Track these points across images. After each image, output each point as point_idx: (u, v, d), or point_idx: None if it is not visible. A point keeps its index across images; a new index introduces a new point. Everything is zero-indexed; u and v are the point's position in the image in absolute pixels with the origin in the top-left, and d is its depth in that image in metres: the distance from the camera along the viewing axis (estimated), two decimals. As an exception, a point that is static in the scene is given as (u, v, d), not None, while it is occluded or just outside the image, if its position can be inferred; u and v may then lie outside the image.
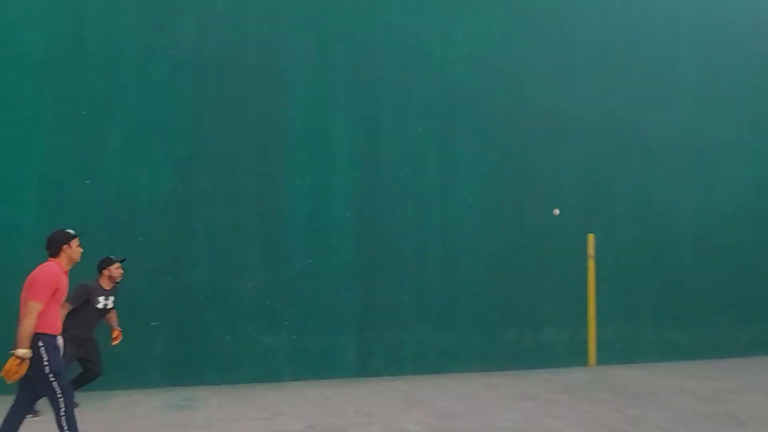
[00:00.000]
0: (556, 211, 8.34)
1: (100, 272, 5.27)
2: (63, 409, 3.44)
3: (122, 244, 6.18)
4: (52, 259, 3.65)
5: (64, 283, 3.59)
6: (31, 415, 4.97)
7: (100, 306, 5.17)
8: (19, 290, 3.49)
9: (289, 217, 7.06)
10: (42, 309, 3.37)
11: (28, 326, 3.31)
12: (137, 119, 6.50)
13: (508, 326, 8.25)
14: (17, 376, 3.31)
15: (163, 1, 6.69)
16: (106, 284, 5.28)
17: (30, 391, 3.55)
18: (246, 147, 6.93)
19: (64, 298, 3.63)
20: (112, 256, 5.39)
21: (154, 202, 6.46)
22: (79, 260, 3.77)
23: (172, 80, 6.66)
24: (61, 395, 3.43)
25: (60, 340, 3.53)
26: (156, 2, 6.65)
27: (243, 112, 6.95)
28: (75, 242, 3.73)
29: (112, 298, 5.30)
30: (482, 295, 8.09)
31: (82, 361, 5.21)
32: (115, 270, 5.31)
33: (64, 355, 4.95)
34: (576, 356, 8.79)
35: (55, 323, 3.51)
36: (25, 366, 3.31)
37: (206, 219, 6.67)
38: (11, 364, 3.27)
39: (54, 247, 3.67)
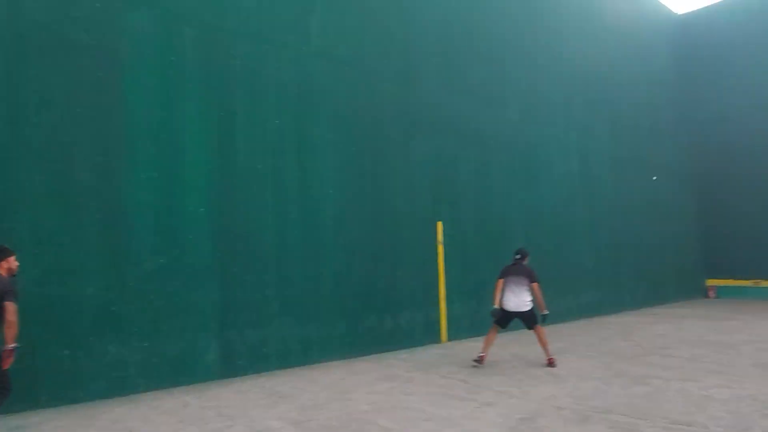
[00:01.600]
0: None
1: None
2: None
3: None
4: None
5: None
6: None
7: None
8: None
9: (135, 213, 6.43)
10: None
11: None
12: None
13: (369, 312, 8.55)
14: None
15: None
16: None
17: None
18: (80, 135, 6.14)
19: None
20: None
21: (-38, 201, 5.44)
22: None
23: (-20, 57, 5.63)
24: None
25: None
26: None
27: (74, 95, 6.13)
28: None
29: None
30: (344, 285, 8.25)
31: None
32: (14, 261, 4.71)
33: None
34: (430, 335, 9.45)
35: None
36: None
37: (31, 219, 5.80)
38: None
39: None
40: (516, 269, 7.61)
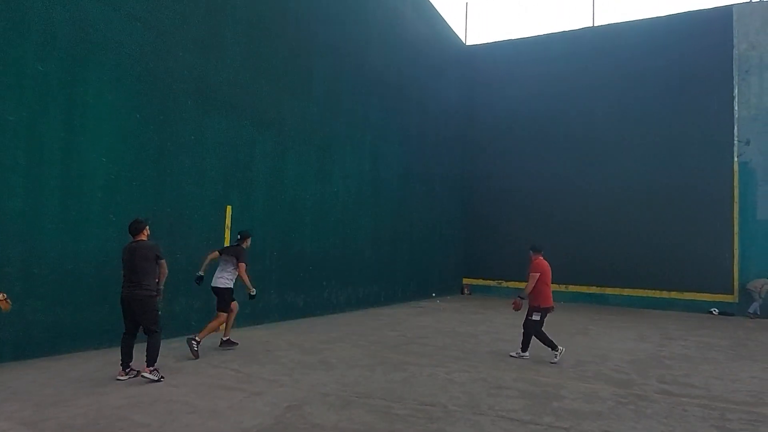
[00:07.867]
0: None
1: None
2: None
3: None
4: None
5: None
6: None
7: None
8: None
9: None
10: None
11: None
12: None
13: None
14: None
15: None
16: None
17: None
18: None
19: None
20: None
21: None
22: None
23: None
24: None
25: None
26: None
27: None
28: None
29: None
30: (109, 266, 7.33)
31: None
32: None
33: None
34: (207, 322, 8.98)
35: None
36: None
37: None
38: None
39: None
40: (229, 249, 7.74)
